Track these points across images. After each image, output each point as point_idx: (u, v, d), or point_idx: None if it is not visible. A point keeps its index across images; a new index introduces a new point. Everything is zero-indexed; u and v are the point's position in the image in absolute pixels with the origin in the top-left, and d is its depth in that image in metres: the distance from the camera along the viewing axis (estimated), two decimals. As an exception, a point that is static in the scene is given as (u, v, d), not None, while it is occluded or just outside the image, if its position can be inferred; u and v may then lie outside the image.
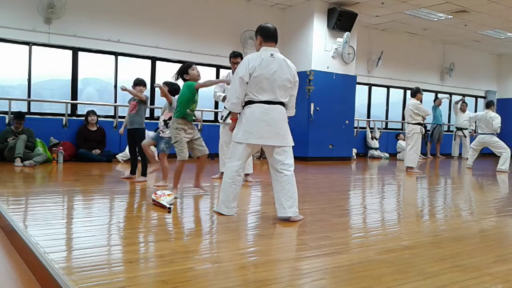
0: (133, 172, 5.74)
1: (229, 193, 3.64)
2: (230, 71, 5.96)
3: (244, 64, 3.56)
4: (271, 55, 3.56)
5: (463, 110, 12.27)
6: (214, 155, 9.02)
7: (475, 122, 9.76)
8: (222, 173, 5.31)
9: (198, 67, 4.88)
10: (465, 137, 12.23)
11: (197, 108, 4.68)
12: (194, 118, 4.85)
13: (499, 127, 8.88)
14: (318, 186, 5.85)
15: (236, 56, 5.74)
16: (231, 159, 3.65)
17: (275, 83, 3.52)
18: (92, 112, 7.92)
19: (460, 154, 12.52)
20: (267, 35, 3.63)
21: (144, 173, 5.60)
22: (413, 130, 8.14)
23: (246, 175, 5.52)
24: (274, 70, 3.51)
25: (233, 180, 3.62)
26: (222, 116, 5.99)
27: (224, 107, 5.62)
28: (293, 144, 3.70)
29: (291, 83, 3.62)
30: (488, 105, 9.30)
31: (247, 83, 3.52)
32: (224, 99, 5.56)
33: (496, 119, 8.87)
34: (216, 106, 9.65)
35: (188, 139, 4.66)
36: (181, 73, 4.73)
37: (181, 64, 4.85)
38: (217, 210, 3.76)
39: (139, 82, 5.68)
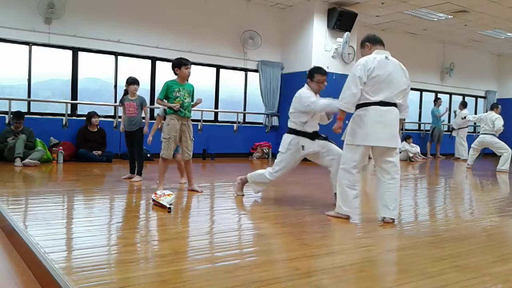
0: (132, 171, 5.76)
1: (349, 195, 3.69)
2: (323, 99, 4.55)
3: (362, 65, 3.61)
4: (386, 57, 3.65)
5: (460, 108, 12.28)
6: (214, 155, 9.03)
7: (476, 122, 9.81)
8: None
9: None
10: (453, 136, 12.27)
11: (197, 108, 4.64)
12: (188, 115, 4.82)
13: (500, 128, 8.94)
14: (318, 186, 5.84)
15: (324, 74, 4.66)
16: (345, 163, 3.73)
17: (391, 84, 3.60)
18: (95, 114, 7.90)
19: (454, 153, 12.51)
20: (375, 40, 3.77)
21: (139, 173, 5.61)
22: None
23: None
24: (390, 72, 3.59)
25: (353, 183, 3.69)
26: (302, 147, 4.24)
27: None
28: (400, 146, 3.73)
29: (406, 84, 3.70)
30: (492, 107, 9.42)
31: (365, 83, 3.58)
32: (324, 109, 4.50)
33: (498, 120, 8.94)
34: (216, 106, 9.64)
35: (177, 136, 4.72)
36: (174, 66, 4.75)
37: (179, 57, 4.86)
38: (335, 214, 3.79)
39: (132, 81, 5.65)
